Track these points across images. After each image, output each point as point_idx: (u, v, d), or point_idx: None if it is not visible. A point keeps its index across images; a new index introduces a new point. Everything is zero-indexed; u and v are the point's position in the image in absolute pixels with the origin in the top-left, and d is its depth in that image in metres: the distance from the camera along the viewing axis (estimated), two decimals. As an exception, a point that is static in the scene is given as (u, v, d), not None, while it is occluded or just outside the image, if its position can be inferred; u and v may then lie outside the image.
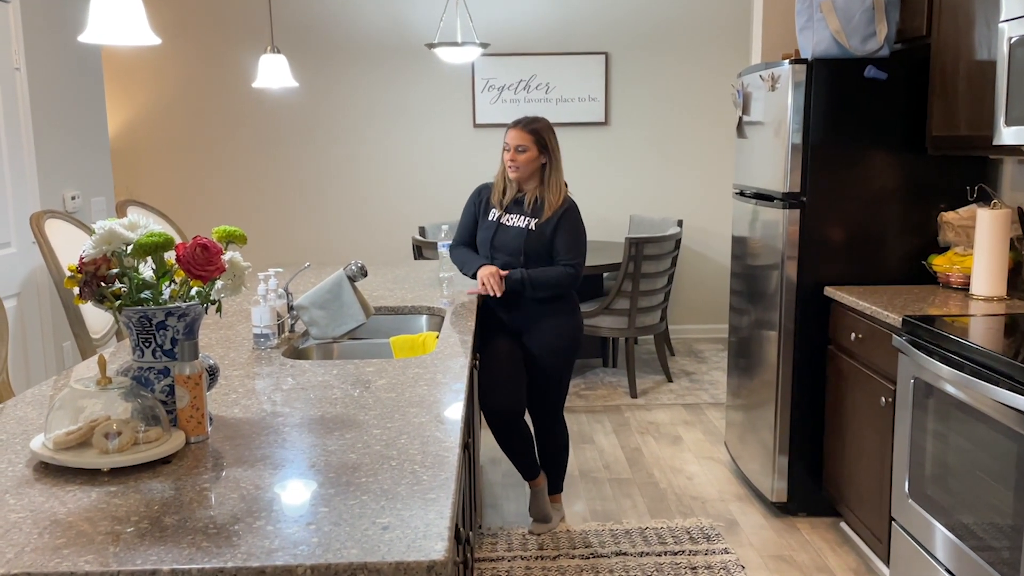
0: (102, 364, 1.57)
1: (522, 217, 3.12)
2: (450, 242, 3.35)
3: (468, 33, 5.76)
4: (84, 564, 1.16)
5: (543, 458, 3.36)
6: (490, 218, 3.20)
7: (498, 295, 3.03)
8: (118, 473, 1.47)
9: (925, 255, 3.27)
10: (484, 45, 5.13)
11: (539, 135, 3.07)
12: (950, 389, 2.41)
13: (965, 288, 3.05)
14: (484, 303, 3.18)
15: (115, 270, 1.61)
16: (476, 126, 6.31)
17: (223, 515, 1.30)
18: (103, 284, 1.60)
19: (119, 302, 1.61)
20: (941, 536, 2.45)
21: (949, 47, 3.01)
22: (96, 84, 4.57)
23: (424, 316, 3.01)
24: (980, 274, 2.92)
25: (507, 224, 3.14)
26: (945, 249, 3.23)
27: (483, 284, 3.04)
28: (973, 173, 3.24)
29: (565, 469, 3.44)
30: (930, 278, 3.24)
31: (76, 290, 1.60)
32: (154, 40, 2.01)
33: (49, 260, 3.16)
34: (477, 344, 2.92)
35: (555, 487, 3.42)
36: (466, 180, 6.09)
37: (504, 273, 3.05)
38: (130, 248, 1.60)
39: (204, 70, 6.23)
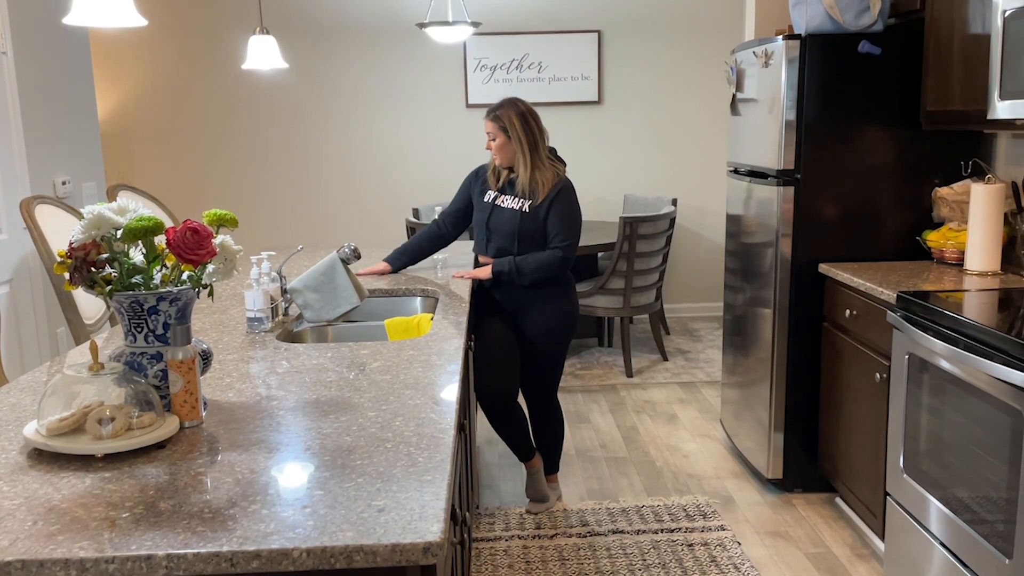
0: (94, 350, 1.56)
1: (516, 199, 3.11)
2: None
3: (459, 12, 5.71)
4: (79, 550, 1.16)
5: (538, 439, 3.37)
6: (486, 199, 3.19)
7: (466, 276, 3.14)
8: (112, 459, 1.46)
9: (919, 231, 3.27)
10: (475, 24, 5.09)
11: (499, 121, 3.06)
12: (944, 364, 2.41)
13: (959, 263, 3.05)
14: (479, 285, 3.18)
15: (105, 255, 1.59)
16: (469, 106, 6.27)
17: (218, 499, 1.30)
18: (93, 269, 1.59)
19: (110, 287, 1.59)
20: (936, 510, 2.47)
21: (943, 21, 2.99)
22: (84, 67, 4.52)
23: (418, 298, 3.01)
24: (974, 249, 2.92)
25: (502, 206, 3.13)
26: (939, 225, 3.23)
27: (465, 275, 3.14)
28: (967, 148, 3.23)
29: (561, 449, 3.45)
30: (924, 254, 3.24)
31: (67, 275, 1.59)
32: (140, 21, 1.99)
33: (40, 246, 3.14)
34: (472, 326, 2.91)
35: (551, 467, 3.43)
36: (459, 161, 6.09)
37: (479, 273, 3.13)
38: (120, 233, 1.58)
39: (193, 52, 6.18)
